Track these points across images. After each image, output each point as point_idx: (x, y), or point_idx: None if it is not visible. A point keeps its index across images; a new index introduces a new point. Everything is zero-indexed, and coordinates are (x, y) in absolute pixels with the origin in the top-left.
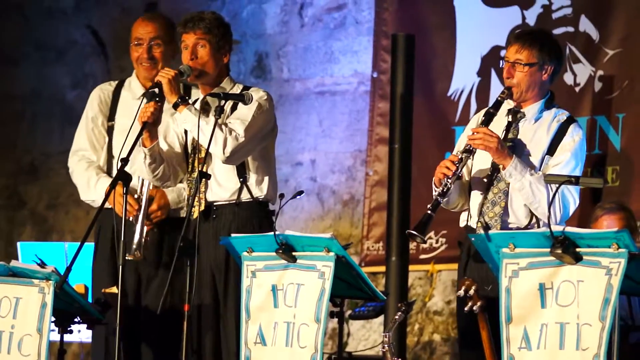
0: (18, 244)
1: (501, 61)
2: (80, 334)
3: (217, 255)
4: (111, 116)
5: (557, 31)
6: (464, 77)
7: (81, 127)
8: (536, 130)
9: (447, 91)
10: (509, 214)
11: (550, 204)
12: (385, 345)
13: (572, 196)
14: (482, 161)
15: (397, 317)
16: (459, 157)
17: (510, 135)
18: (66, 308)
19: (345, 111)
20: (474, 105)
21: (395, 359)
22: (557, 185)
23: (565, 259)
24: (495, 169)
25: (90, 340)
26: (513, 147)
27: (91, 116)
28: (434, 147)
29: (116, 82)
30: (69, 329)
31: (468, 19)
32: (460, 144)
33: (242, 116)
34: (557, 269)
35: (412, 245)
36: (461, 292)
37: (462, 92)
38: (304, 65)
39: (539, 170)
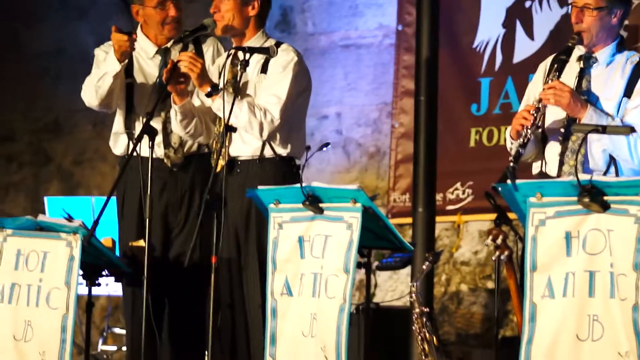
0: (45, 198)
1: (569, 6)
2: (108, 287)
3: (240, 209)
4: (127, 74)
5: None
6: (489, 29)
7: (95, 71)
8: (609, 74)
9: (472, 43)
10: (588, 161)
11: (578, 151)
12: (413, 295)
13: None
14: (556, 110)
15: (424, 267)
16: (536, 106)
17: (584, 82)
18: (94, 261)
19: (371, 64)
20: (499, 57)
21: (423, 309)
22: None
23: (592, 207)
24: (571, 117)
25: (117, 293)
26: (588, 96)
27: (106, 61)
28: (459, 99)
29: None
30: (96, 282)
31: None
32: (530, 93)
33: (278, 92)
34: (585, 217)
35: (439, 197)
36: (489, 241)
37: (487, 43)
38: (329, 19)
39: (618, 114)
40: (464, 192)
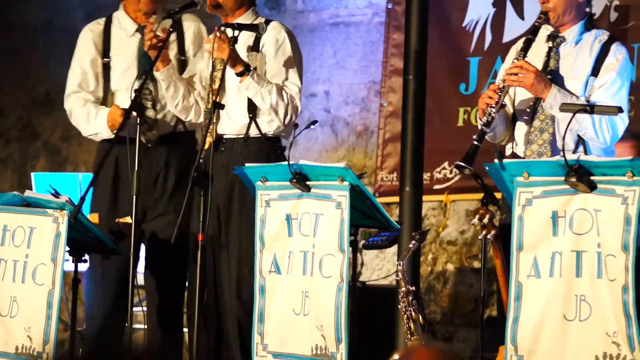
0: (32, 174)
1: None
2: None
3: (224, 187)
4: (105, 54)
5: None
6: (479, 8)
7: (74, 69)
8: (578, 52)
9: (462, 22)
10: (556, 140)
11: (566, 130)
12: (399, 274)
13: (620, 117)
14: (525, 91)
15: (410, 245)
16: (500, 85)
17: (552, 62)
18: (80, 238)
19: (360, 42)
20: (489, 36)
21: (409, 288)
22: (574, 113)
23: (579, 187)
24: (539, 97)
25: None
26: (555, 75)
27: (84, 56)
28: (448, 78)
29: (103, 19)
30: (83, 258)
31: None
32: (501, 73)
33: (295, 80)
34: (571, 197)
35: (426, 176)
36: (475, 221)
37: (477, 22)
38: None
39: (585, 92)
40: (451, 172)
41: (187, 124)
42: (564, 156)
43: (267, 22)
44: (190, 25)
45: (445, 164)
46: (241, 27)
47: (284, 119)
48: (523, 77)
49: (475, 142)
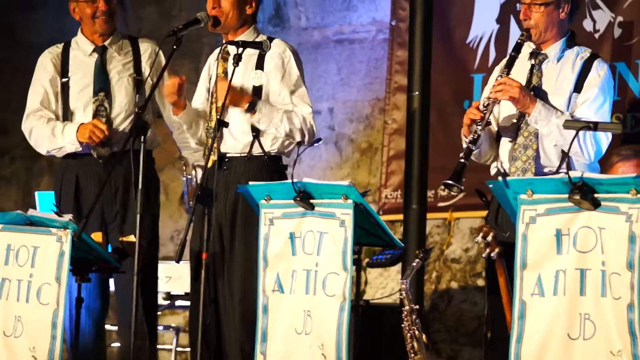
0: (36, 193)
1: (517, 4)
2: None
3: (224, 207)
4: (64, 74)
5: None
6: (483, 24)
7: (35, 89)
8: (560, 69)
9: (466, 38)
10: (540, 156)
11: (569, 149)
12: (403, 293)
13: (604, 133)
14: (508, 108)
15: (414, 264)
16: (485, 103)
17: (534, 79)
18: (84, 256)
19: (364, 59)
20: (492, 53)
21: (413, 307)
22: (575, 130)
23: (583, 204)
24: (522, 113)
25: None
26: (538, 92)
27: (44, 77)
28: (452, 95)
29: (62, 44)
30: (87, 277)
31: None
32: (486, 91)
33: (306, 99)
34: (575, 215)
35: (430, 194)
36: (479, 239)
37: (481, 39)
38: (322, 13)
39: (568, 109)
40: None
41: (146, 142)
42: (567, 173)
43: (270, 39)
44: (147, 47)
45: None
46: (245, 44)
47: (303, 139)
48: (508, 92)
49: (462, 160)
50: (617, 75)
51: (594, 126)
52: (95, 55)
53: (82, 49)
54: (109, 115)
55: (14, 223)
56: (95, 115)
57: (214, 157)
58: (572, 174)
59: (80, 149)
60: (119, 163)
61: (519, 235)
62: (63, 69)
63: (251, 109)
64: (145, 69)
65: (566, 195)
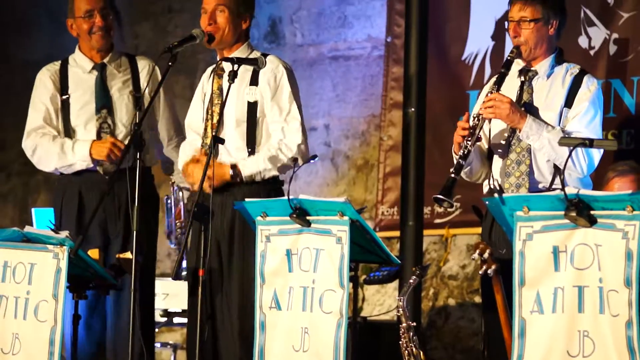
0: (32, 210)
1: (506, 22)
2: None
3: (222, 224)
4: (64, 91)
5: None
6: (478, 41)
7: (35, 107)
8: (550, 85)
9: (461, 55)
10: (533, 172)
11: (565, 167)
12: (400, 310)
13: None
14: (499, 125)
15: (411, 281)
16: (475, 119)
17: (525, 95)
18: (81, 273)
19: (359, 76)
20: (488, 70)
21: (410, 323)
22: (570, 148)
23: (579, 221)
24: (513, 129)
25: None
26: (529, 108)
27: (43, 94)
28: (448, 112)
29: (59, 61)
30: (83, 294)
31: None
32: (477, 108)
33: (296, 118)
34: (572, 232)
35: (427, 210)
36: (476, 256)
37: (476, 56)
38: (318, 30)
39: (560, 124)
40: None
41: (145, 159)
42: (563, 190)
43: (264, 55)
44: (145, 65)
45: None
46: (241, 61)
47: (296, 164)
48: (498, 108)
49: (452, 175)
50: (612, 92)
51: (590, 143)
52: (95, 73)
53: (80, 66)
54: (112, 132)
55: (11, 240)
56: (99, 132)
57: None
58: (568, 190)
59: (92, 165)
60: (122, 180)
61: (516, 253)
62: (62, 86)
63: (235, 177)
64: (144, 86)
65: (562, 212)
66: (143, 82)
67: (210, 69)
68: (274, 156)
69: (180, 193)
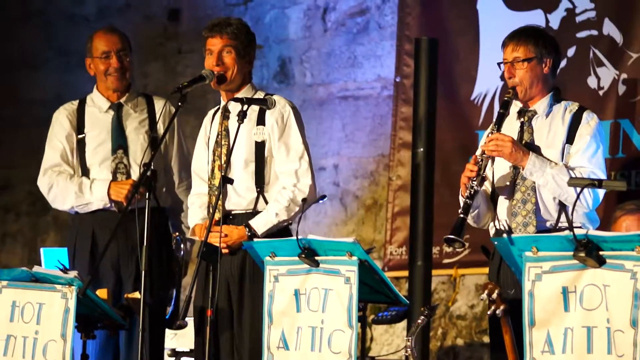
0: (41, 249)
1: (500, 64)
2: None
3: (232, 263)
4: (80, 130)
5: (581, 34)
6: (487, 81)
7: (52, 145)
8: (550, 123)
9: (470, 95)
10: (540, 209)
11: (573, 208)
12: (408, 350)
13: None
14: (502, 166)
15: (419, 321)
16: (479, 159)
17: (526, 135)
18: (89, 313)
19: (369, 116)
20: (496, 110)
21: None
22: (580, 188)
23: (588, 262)
24: (517, 168)
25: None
26: (531, 147)
27: (60, 133)
28: (457, 152)
29: (77, 101)
30: (92, 334)
31: (491, 22)
32: (479, 150)
33: (304, 159)
34: (581, 272)
35: (436, 250)
36: (484, 296)
37: (485, 96)
38: (327, 70)
39: (562, 161)
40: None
41: (160, 199)
42: (572, 231)
43: (268, 95)
44: (162, 105)
45: None
46: (250, 101)
47: (306, 208)
48: (501, 147)
49: (462, 215)
50: (621, 132)
51: (599, 184)
52: (111, 112)
53: (97, 106)
54: (128, 172)
55: (19, 279)
56: (115, 172)
57: (218, 215)
58: (577, 231)
59: (109, 205)
60: (137, 219)
61: (526, 293)
62: (79, 126)
63: (252, 237)
64: (160, 126)
65: (571, 253)
66: (160, 122)
67: (211, 111)
68: (287, 207)
69: (182, 245)
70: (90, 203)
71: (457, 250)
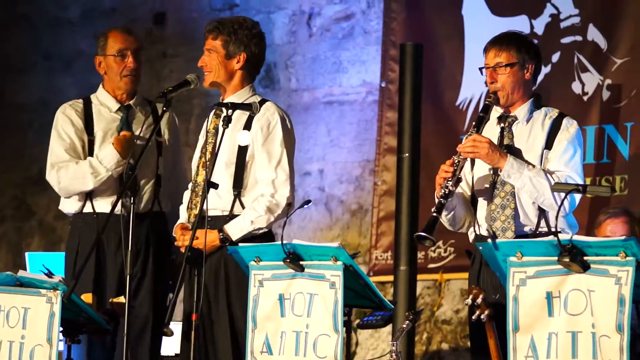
0: (26, 254)
1: (482, 69)
2: None
3: (210, 266)
4: (89, 130)
5: (565, 40)
6: (472, 87)
7: (60, 140)
8: (530, 129)
9: (455, 100)
10: (519, 215)
11: (557, 214)
12: (393, 354)
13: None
14: (482, 170)
15: (404, 325)
16: (455, 160)
17: (506, 140)
18: (74, 318)
19: (354, 121)
20: None
21: None
22: (564, 193)
23: (573, 267)
24: (496, 173)
25: None
26: (511, 151)
27: (68, 128)
28: (442, 157)
29: (80, 100)
30: (76, 338)
31: (476, 28)
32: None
33: (284, 166)
34: (565, 277)
35: (421, 255)
36: (469, 301)
37: (470, 101)
38: (312, 75)
39: (540, 165)
40: (445, 250)
41: (162, 204)
42: (556, 236)
43: (263, 101)
44: (161, 110)
45: (440, 243)
46: (235, 106)
47: (286, 215)
48: (477, 147)
49: (434, 214)
50: (605, 137)
51: (584, 189)
52: (120, 114)
53: (105, 105)
54: (136, 175)
55: (4, 284)
56: (122, 174)
57: (194, 212)
58: (561, 236)
59: (122, 164)
60: (139, 225)
61: (510, 298)
62: (87, 125)
63: (225, 241)
64: (165, 131)
65: (555, 258)
66: (164, 127)
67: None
68: (262, 216)
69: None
70: (108, 175)
71: (442, 255)
